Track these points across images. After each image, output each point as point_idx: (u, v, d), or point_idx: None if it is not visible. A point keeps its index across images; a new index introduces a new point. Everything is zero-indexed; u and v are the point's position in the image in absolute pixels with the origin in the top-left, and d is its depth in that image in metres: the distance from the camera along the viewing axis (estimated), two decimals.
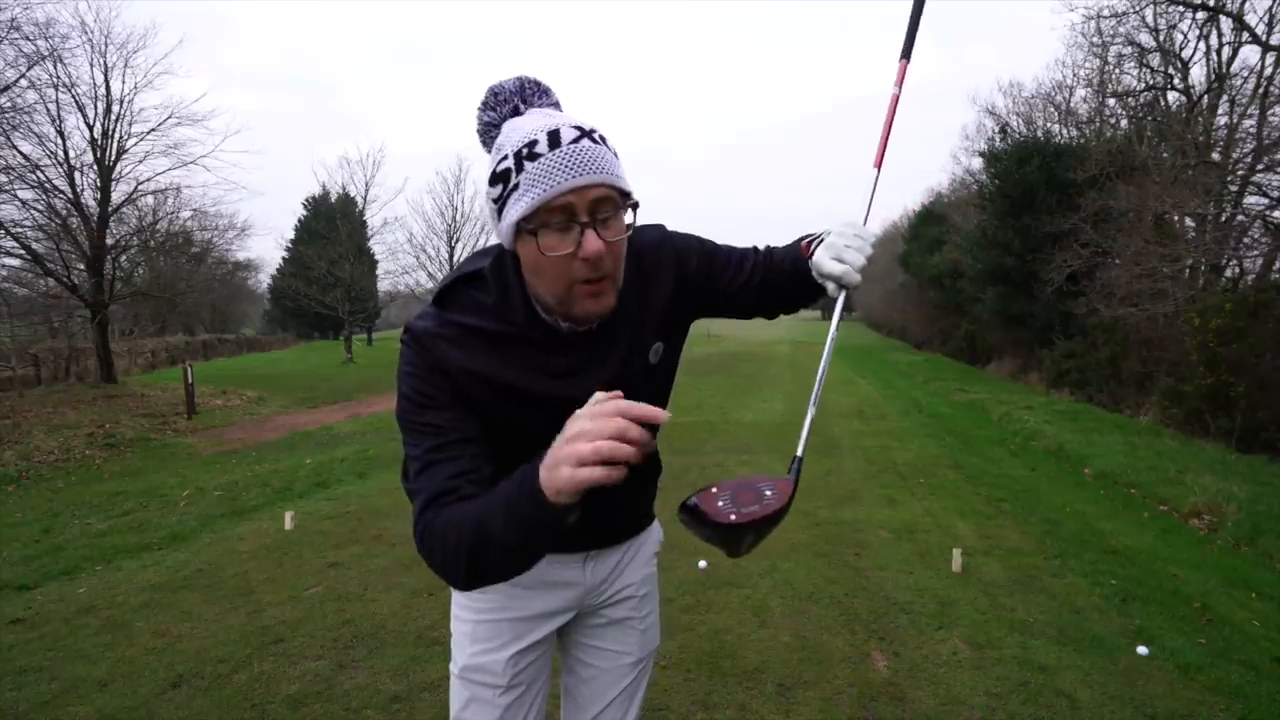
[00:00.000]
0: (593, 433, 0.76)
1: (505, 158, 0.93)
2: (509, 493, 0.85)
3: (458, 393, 1.00)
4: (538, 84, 1.03)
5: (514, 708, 1.19)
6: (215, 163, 28.51)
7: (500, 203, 0.94)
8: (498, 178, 0.94)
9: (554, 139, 0.91)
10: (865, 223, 1.11)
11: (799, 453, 0.98)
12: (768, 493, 0.90)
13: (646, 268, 1.12)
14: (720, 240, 1.25)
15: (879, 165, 1.18)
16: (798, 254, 1.17)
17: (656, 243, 1.15)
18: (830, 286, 1.09)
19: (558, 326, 1.02)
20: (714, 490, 0.92)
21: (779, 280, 1.20)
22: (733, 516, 0.87)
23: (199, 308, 32.87)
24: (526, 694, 1.21)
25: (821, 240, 1.12)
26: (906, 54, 1.17)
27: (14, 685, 2.69)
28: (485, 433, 1.03)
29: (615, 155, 0.96)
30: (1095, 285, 12.28)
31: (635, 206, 0.97)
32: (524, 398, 1.03)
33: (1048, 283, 13.95)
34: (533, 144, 0.91)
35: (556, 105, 1.05)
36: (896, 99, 1.17)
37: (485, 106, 1.03)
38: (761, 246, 1.25)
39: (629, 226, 0.97)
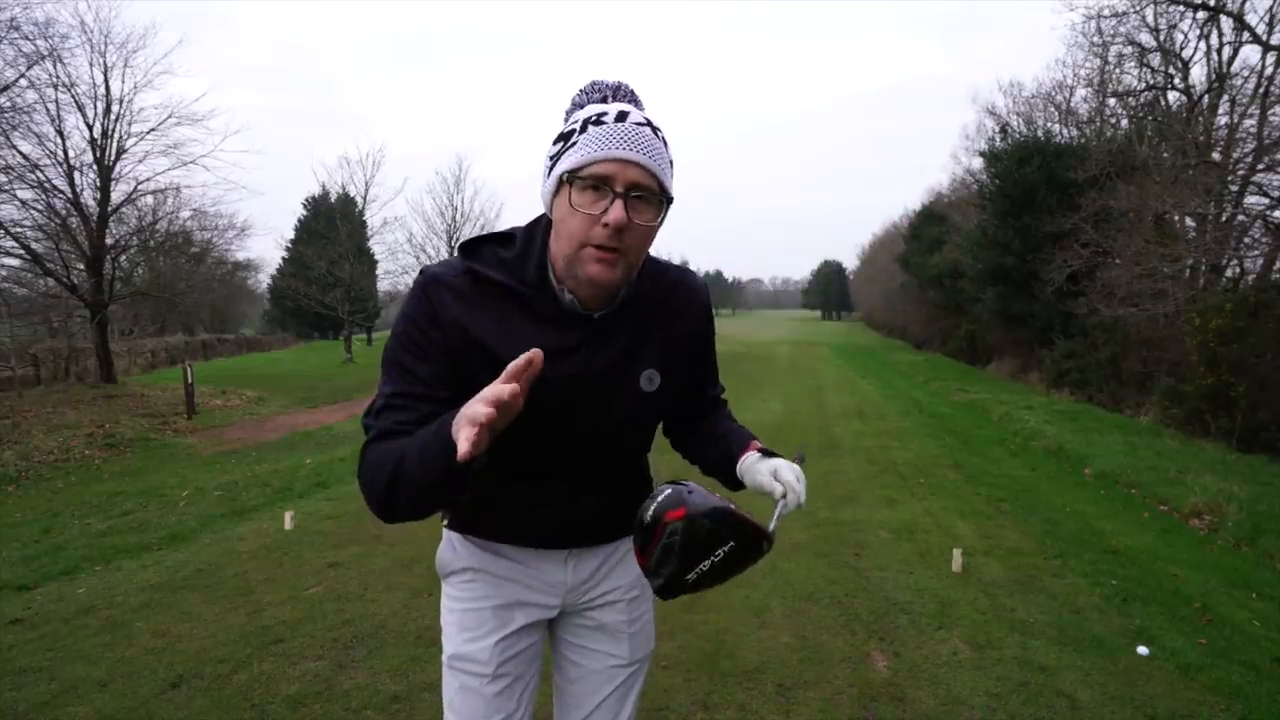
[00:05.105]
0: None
1: (575, 123, 1.02)
2: (425, 435, 0.94)
3: (445, 348, 1.04)
4: (633, 92, 1.11)
5: (501, 698, 1.19)
6: (215, 162, 28.58)
7: (554, 159, 1.02)
8: (561, 138, 1.03)
9: (621, 117, 1.00)
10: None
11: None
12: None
13: (678, 297, 1.18)
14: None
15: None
16: (736, 447, 1.19)
17: (700, 288, 1.23)
18: (777, 492, 1.07)
19: (562, 296, 1.06)
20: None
21: (695, 441, 1.30)
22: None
23: (199, 308, 32.83)
24: (514, 686, 1.21)
25: (767, 454, 1.15)
26: None
27: (14, 685, 2.68)
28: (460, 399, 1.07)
29: (669, 159, 1.04)
30: (1095, 285, 12.27)
31: (668, 202, 1.03)
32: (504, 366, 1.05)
33: (1048, 283, 13.94)
34: (602, 114, 1.00)
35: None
36: None
37: (582, 91, 1.11)
38: (725, 397, 1.38)
39: (659, 221, 1.03)
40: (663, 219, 1.05)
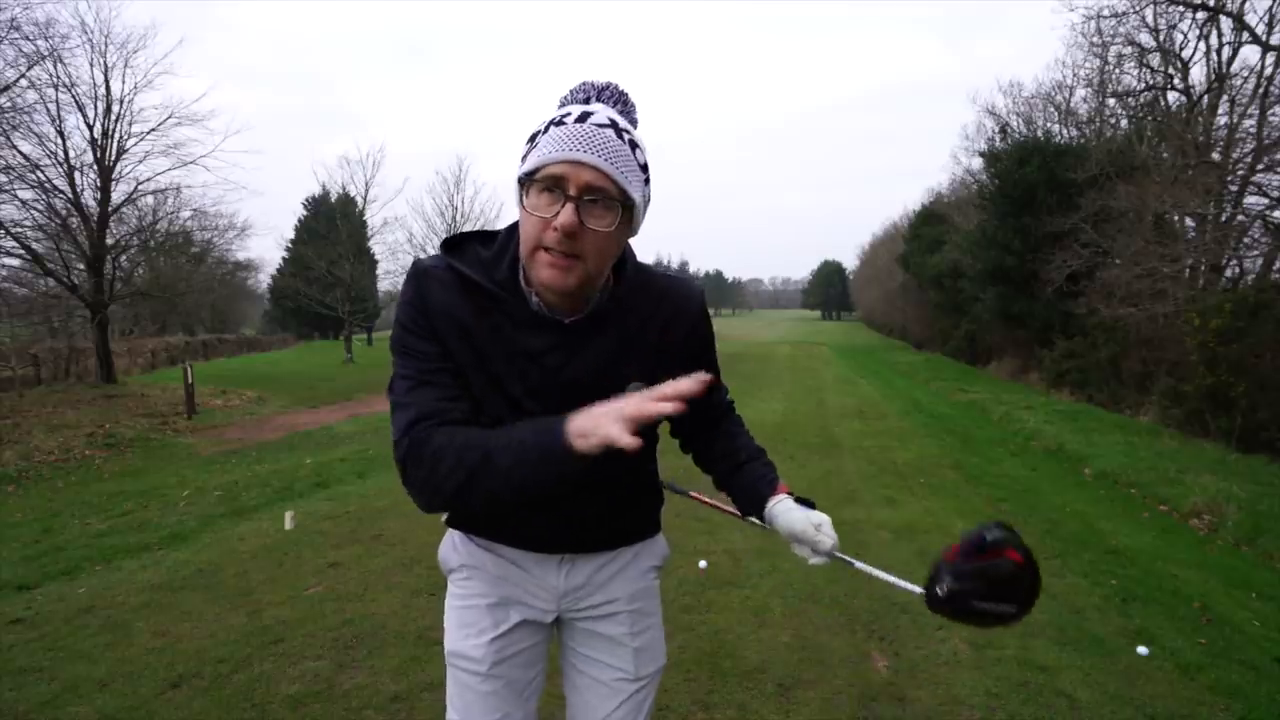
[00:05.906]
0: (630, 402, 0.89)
1: (543, 123, 1.01)
2: (526, 430, 0.96)
3: (435, 335, 1.06)
4: (622, 93, 1.08)
5: (497, 698, 1.18)
6: (215, 163, 28.51)
7: (523, 160, 1.01)
8: (530, 138, 1.02)
9: (583, 118, 0.97)
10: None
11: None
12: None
13: (668, 306, 1.16)
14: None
15: None
16: (765, 487, 1.23)
17: (693, 295, 1.20)
18: (824, 545, 1.14)
19: (530, 299, 1.06)
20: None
21: (709, 453, 1.33)
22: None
23: (199, 308, 32.81)
24: (511, 686, 1.20)
25: (800, 501, 1.19)
26: None
27: (14, 685, 2.69)
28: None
29: (639, 162, 1.00)
30: (1095, 285, 12.28)
31: (629, 208, 1.00)
32: (487, 361, 1.07)
33: (1048, 283, 13.97)
34: (565, 115, 0.98)
35: (631, 118, 1.08)
36: None
37: (570, 91, 1.10)
38: (733, 403, 1.39)
39: (617, 226, 0.99)
40: (631, 225, 1.03)
